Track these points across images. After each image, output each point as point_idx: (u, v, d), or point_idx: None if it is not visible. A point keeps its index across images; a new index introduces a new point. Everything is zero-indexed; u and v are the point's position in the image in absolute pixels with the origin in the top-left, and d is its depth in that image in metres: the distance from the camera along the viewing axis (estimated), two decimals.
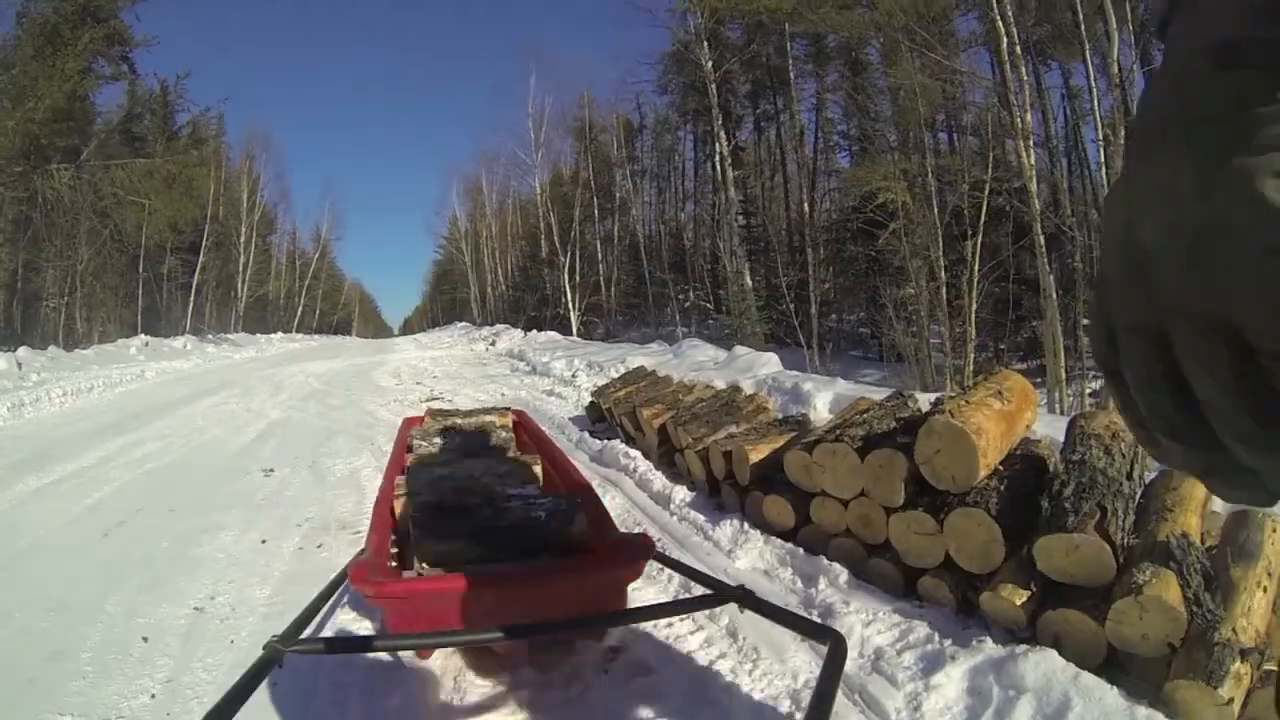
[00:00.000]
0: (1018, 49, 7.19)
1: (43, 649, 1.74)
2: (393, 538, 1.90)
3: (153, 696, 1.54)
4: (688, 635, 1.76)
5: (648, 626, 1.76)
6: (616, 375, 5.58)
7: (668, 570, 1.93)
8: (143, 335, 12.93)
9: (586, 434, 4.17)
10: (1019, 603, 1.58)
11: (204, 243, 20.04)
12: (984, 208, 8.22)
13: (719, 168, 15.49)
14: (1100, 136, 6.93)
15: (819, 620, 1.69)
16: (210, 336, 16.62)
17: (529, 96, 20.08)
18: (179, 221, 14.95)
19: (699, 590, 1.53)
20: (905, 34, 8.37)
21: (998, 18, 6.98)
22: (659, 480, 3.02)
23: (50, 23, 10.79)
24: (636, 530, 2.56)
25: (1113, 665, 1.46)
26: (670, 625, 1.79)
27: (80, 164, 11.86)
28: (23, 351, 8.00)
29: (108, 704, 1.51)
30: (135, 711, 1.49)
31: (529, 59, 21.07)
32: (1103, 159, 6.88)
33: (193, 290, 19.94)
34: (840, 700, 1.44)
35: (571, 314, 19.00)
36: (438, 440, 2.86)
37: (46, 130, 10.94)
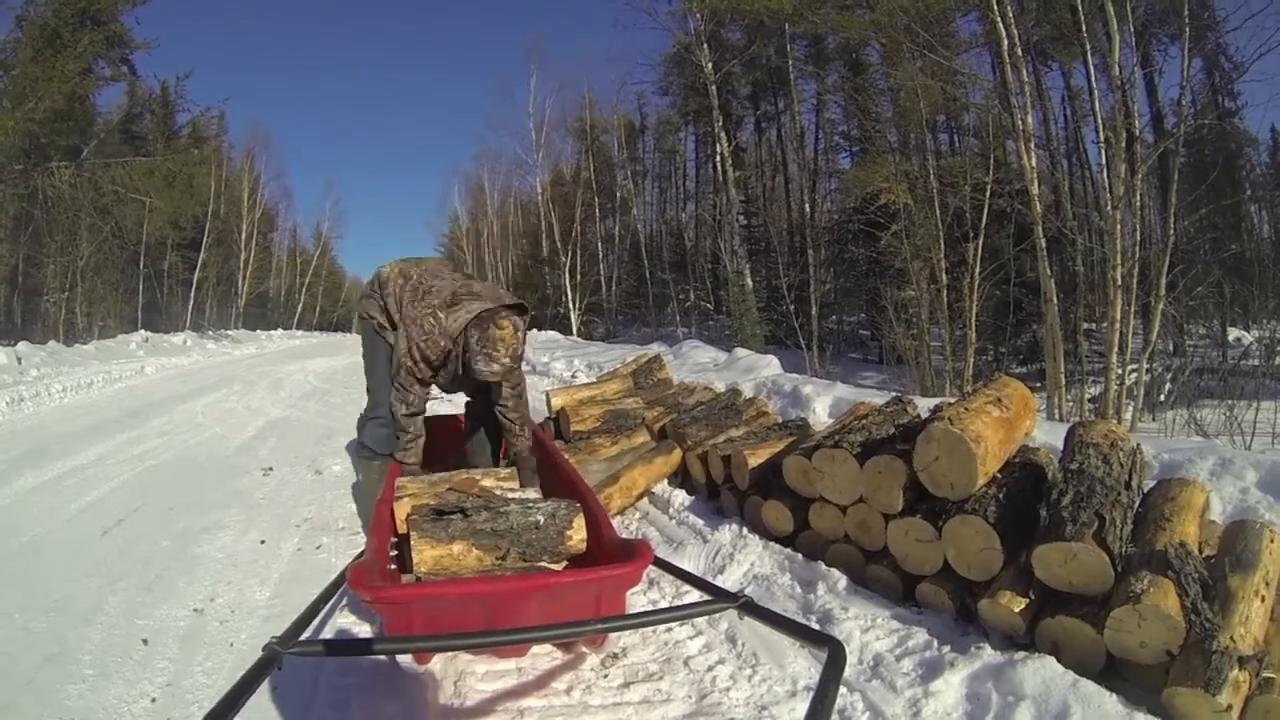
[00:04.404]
0: (1018, 50, 7.18)
1: (42, 650, 1.74)
2: (392, 541, 1.90)
3: (153, 700, 1.54)
4: (687, 640, 1.76)
5: (647, 632, 1.77)
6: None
7: (667, 575, 1.93)
8: (143, 331, 12.93)
9: None
10: (1017, 610, 1.58)
11: (205, 240, 20.06)
12: (985, 210, 8.22)
13: (720, 168, 15.50)
14: (1101, 138, 6.92)
15: (817, 627, 1.69)
16: (210, 333, 16.63)
17: (530, 97, 20.09)
18: (179, 219, 14.91)
19: (698, 596, 1.53)
20: (906, 35, 8.36)
21: (998, 18, 6.97)
22: (659, 483, 3.02)
23: (50, 26, 10.78)
24: (636, 535, 2.57)
25: (1111, 672, 1.46)
26: (670, 630, 1.79)
27: (80, 162, 11.84)
28: (22, 346, 7.98)
29: (108, 708, 1.51)
30: (136, 716, 1.48)
31: (530, 60, 21.05)
32: (1103, 161, 6.86)
33: (193, 286, 19.95)
34: (840, 706, 1.44)
35: (572, 314, 18.99)
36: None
37: (47, 130, 10.90)
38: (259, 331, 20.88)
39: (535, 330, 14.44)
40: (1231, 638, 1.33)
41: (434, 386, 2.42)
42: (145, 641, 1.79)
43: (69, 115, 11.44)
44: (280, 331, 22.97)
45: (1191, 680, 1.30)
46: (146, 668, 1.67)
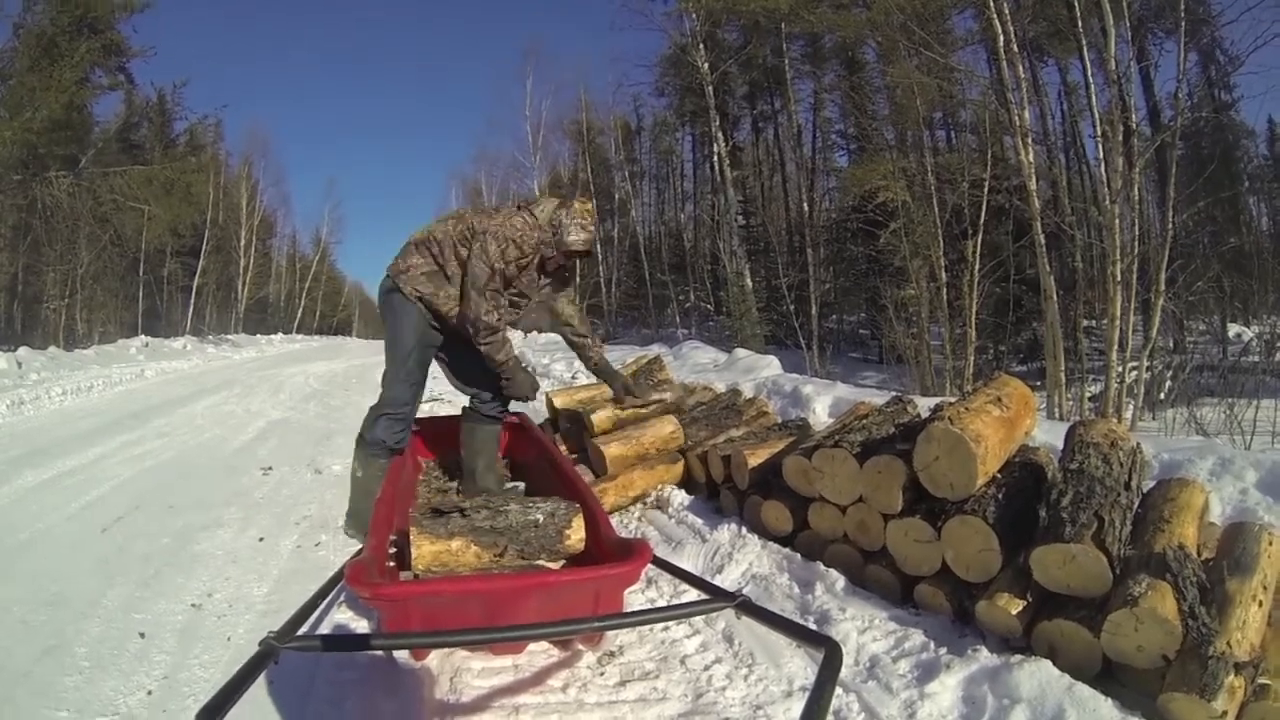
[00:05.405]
0: (1014, 46, 7.18)
1: (40, 643, 1.74)
2: (391, 538, 1.90)
3: (149, 693, 1.54)
4: (684, 639, 1.76)
5: (644, 630, 1.77)
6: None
7: (665, 574, 1.93)
8: (143, 336, 12.93)
9: None
10: (1015, 612, 1.58)
11: (204, 247, 20.10)
12: (983, 206, 8.21)
13: (717, 168, 15.51)
14: (1098, 133, 6.91)
15: (815, 627, 1.69)
16: (210, 337, 16.64)
17: (526, 99, 20.06)
18: (178, 226, 14.97)
19: (696, 595, 1.53)
20: (902, 32, 8.36)
21: (994, 15, 6.96)
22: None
23: (47, 34, 10.79)
24: (634, 534, 2.56)
25: (1108, 676, 1.45)
26: (667, 629, 1.79)
27: (78, 171, 11.87)
28: (23, 351, 7.99)
29: (104, 699, 1.51)
30: (132, 708, 1.49)
31: (527, 61, 20.96)
32: (1101, 155, 6.86)
33: (193, 292, 20.01)
34: (835, 707, 1.44)
35: None
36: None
37: (44, 140, 10.93)
38: (259, 336, 20.86)
39: (536, 333, 14.44)
40: (1228, 643, 1.32)
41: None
42: (142, 635, 1.79)
43: (67, 125, 11.49)
44: (280, 336, 22.94)
45: (1187, 686, 1.29)
46: (143, 661, 1.67)
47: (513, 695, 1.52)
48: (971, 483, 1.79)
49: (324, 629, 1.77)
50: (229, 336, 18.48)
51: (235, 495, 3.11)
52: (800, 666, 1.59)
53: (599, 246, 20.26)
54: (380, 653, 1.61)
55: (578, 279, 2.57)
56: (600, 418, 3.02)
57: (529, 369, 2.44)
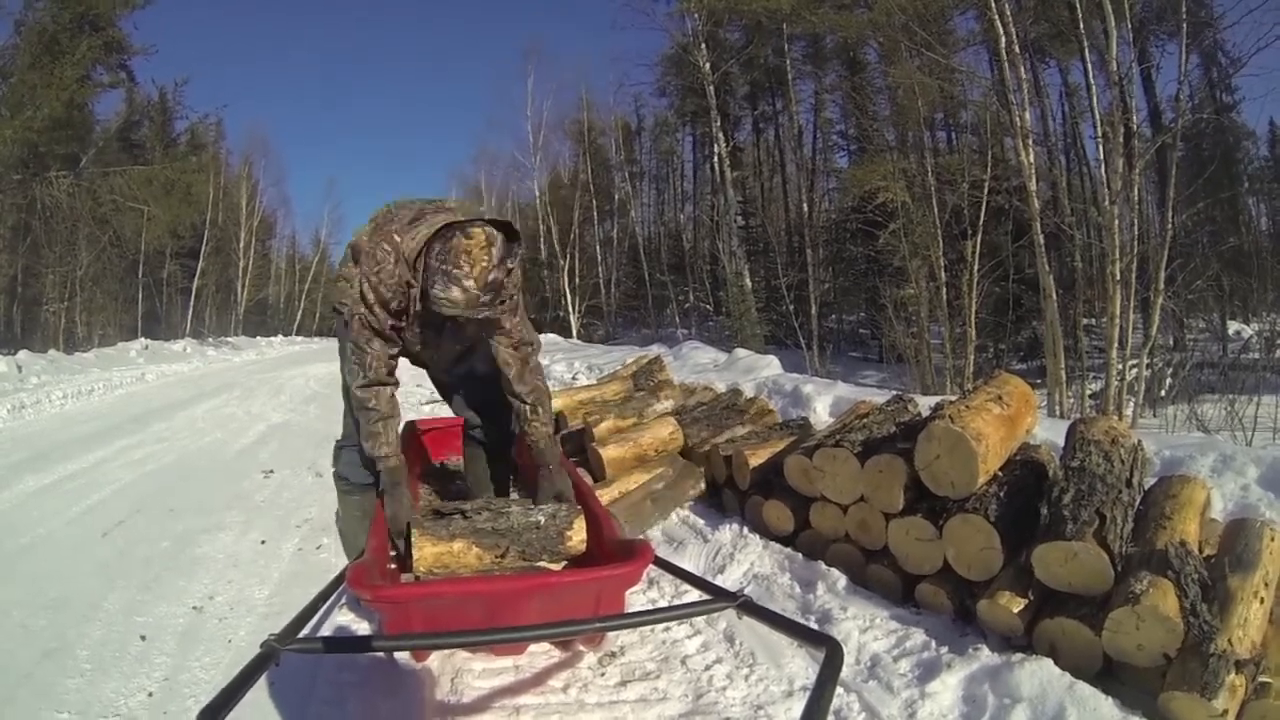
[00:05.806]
0: (1016, 47, 7.21)
1: (41, 646, 1.74)
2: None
3: (150, 695, 1.54)
4: (685, 640, 1.76)
5: (645, 631, 1.77)
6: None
7: (667, 575, 1.92)
8: (143, 339, 12.92)
9: None
10: (1016, 611, 1.57)
11: (203, 248, 20.12)
12: (983, 206, 8.23)
13: (717, 169, 15.55)
14: (1099, 134, 6.94)
15: (816, 627, 1.69)
16: (210, 340, 16.62)
17: (527, 99, 20.09)
18: (178, 227, 14.99)
19: (698, 595, 1.53)
20: (904, 33, 8.39)
21: (996, 16, 6.99)
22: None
23: (48, 31, 10.80)
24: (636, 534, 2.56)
25: (1108, 675, 1.45)
26: (668, 629, 1.79)
27: (79, 171, 11.87)
28: (23, 355, 7.99)
29: (105, 701, 1.51)
30: (132, 709, 1.49)
31: (528, 61, 21.00)
32: (1101, 156, 6.89)
33: (192, 294, 20.04)
34: (836, 706, 1.44)
35: (571, 316, 19.01)
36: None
37: (45, 138, 10.94)
38: (259, 338, 20.81)
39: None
40: (1229, 641, 1.32)
41: (408, 360, 1.85)
42: (143, 638, 1.79)
43: (67, 123, 11.49)
44: (280, 338, 22.88)
45: (1188, 684, 1.29)
46: (144, 663, 1.68)
47: (514, 696, 1.52)
48: (973, 481, 1.79)
49: (325, 631, 1.77)
50: (229, 339, 18.46)
51: (236, 498, 3.11)
52: (801, 666, 1.59)
53: (598, 248, 20.24)
54: (381, 654, 1.61)
55: (517, 316, 1.73)
56: (602, 429, 3.00)
57: (405, 492, 1.72)
